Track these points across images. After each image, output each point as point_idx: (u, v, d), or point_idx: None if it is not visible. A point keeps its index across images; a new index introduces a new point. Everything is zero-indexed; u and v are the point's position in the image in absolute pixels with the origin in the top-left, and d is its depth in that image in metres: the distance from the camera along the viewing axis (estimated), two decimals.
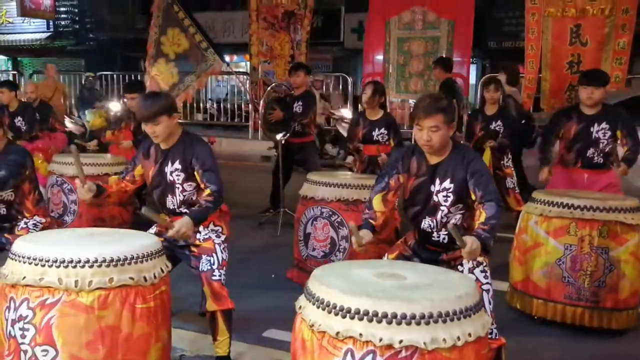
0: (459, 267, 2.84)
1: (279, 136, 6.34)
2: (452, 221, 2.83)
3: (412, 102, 9.85)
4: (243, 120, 12.63)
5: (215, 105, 14.38)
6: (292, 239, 4.92)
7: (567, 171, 4.73)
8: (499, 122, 5.72)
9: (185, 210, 3.15)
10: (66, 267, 2.36)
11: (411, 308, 1.96)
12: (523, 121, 6.88)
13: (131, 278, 2.45)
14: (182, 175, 3.13)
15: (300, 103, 6.33)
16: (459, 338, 1.98)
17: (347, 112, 10.49)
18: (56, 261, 2.37)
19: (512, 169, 5.90)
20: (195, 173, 3.11)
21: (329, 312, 2.03)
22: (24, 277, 2.37)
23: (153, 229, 3.25)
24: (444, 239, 2.90)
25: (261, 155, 11.24)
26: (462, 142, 4.94)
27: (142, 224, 3.39)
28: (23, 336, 2.37)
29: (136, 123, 6.02)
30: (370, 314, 1.96)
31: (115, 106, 11.59)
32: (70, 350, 2.37)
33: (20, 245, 2.50)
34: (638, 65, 10.14)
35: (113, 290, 2.41)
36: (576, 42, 7.24)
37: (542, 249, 3.89)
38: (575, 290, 3.81)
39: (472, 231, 2.67)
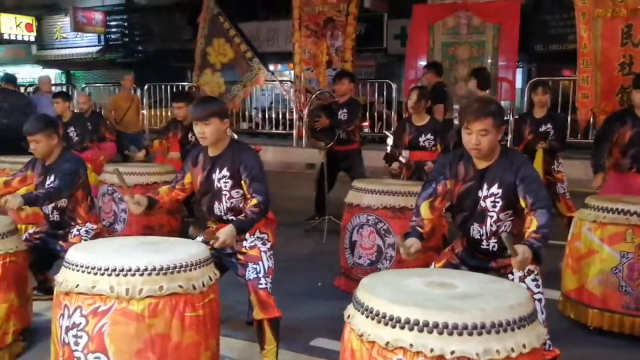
0: (509, 275, 2.77)
1: (324, 144, 6.34)
2: (503, 229, 2.77)
3: (456, 107, 9.75)
4: (287, 129, 12.69)
5: (260, 114, 14.51)
6: (337, 246, 4.90)
7: (621, 176, 4.59)
8: (548, 125, 5.58)
9: (232, 217, 3.16)
10: (117, 275, 2.40)
11: (462, 318, 1.92)
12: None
13: (180, 286, 2.47)
14: (230, 182, 3.15)
15: (345, 110, 6.32)
16: (512, 349, 1.92)
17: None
18: (107, 269, 2.41)
19: (563, 174, 5.74)
20: (242, 182, 3.12)
21: (379, 322, 2.00)
22: (77, 285, 2.42)
23: (200, 237, 3.28)
24: (493, 247, 2.84)
25: (306, 162, 11.26)
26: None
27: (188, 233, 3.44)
28: (76, 343, 2.42)
29: (183, 133, 6.12)
30: (421, 323, 1.93)
31: None
32: (122, 359, 2.40)
33: (74, 253, 2.56)
34: None
35: (163, 298, 2.44)
36: (628, 42, 7.04)
37: (596, 257, 3.76)
38: (633, 299, 3.67)
39: (522, 238, 2.60)
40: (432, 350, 1.89)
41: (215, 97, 3.59)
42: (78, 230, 3.85)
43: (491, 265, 2.86)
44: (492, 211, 2.78)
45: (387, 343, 1.95)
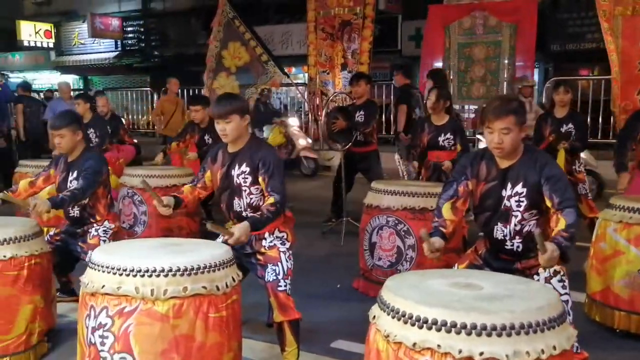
0: (535, 276, 2.74)
1: (341, 146, 6.34)
2: (527, 228, 2.73)
3: (473, 107, 9.69)
4: (303, 131, 12.72)
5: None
6: (355, 248, 4.89)
7: None
8: (570, 125, 5.52)
9: (251, 214, 3.14)
10: (142, 276, 2.41)
11: (491, 319, 1.89)
12: None
13: (204, 287, 2.48)
14: (249, 178, 3.13)
15: (362, 112, 6.31)
16: (542, 351, 1.89)
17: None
18: (133, 270, 2.42)
19: (585, 174, 5.68)
20: (260, 178, 3.10)
21: (405, 323, 1.98)
22: (103, 286, 2.43)
23: (220, 238, 3.28)
24: (517, 247, 2.80)
25: (322, 165, 11.29)
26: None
27: (209, 234, 3.43)
28: (103, 344, 2.43)
29: (200, 135, 6.15)
30: (449, 324, 1.91)
31: (294, 121, 11.61)
32: (147, 359, 2.41)
33: (99, 254, 2.57)
34: None
35: (187, 299, 2.44)
36: None
37: (622, 258, 3.70)
38: None
39: (547, 238, 2.56)
40: (460, 352, 1.87)
41: (236, 94, 3.56)
42: (96, 230, 3.87)
43: (516, 266, 2.81)
44: (517, 211, 2.75)
45: (414, 344, 1.93)
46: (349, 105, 6.54)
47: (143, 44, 20.70)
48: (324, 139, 6.68)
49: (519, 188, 2.72)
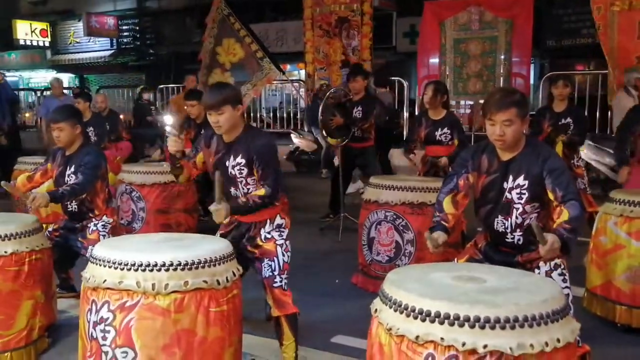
0: (536, 270, 2.73)
1: (338, 141, 6.34)
2: (528, 221, 2.73)
3: (469, 103, 9.70)
4: (298, 128, 12.71)
5: (270, 114, 14.54)
6: (353, 243, 4.89)
7: None
8: (568, 119, 5.52)
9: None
10: (144, 270, 2.40)
11: (495, 312, 1.89)
12: (387, 117, 7.15)
13: (205, 281, 2.47)
14: (245, 170, 3.07)
15: (359, 108, 6.31)
16: (547, 344, 1.90)
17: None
18: (134, 265, 2.41)
19: (583, 168, 5.68)
20: (254, 170, 3.05)
21: (408, 316, 1.98)
22: (105, 280, 2.43)
23: (218, 233, 3.26)
24: (518, 240, 2.79)
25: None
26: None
27: (206, 230, 3.42)
28: (104, 338, 2.43)
29: (196, 131, 6.09)
30: (452, 317, 1.91)
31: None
32: (149, 353, 2.41)
33: (101, 249, 2.56)
34: None
35: (188, 293, 2.43)
36: None
37: (623, 252, 3.70)
38: None
39: (548, 231, 2.56)
40: (464, 345, 1.87)
41: (227, 84, 3.50)
42: (95, 225, 3.86)
43: (517, 259, 2.80)
44: (518, 203, 2.73)
45: (417, 337, 1.93)
46: (346, 100, 6.52)
47: (138, 43, 20.61)
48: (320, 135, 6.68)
49: (520, 180, 2.70)
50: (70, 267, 4.10)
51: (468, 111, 9.89)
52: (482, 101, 8.42)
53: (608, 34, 7.12)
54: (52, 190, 3.67)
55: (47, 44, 21.56)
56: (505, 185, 2.74)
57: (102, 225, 3.88)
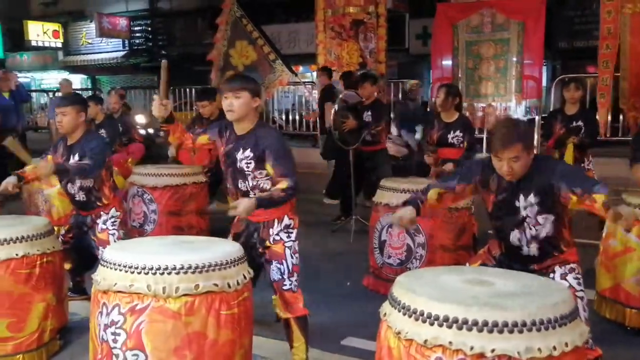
0: (551, 274, 2.72)
1: (350, 145, 6.35)
2: (544, 233, 2.71)
3: (482, 105, 9.67)
4: (311, 130, 12.73)
5: (283, 116, 14.57)
6: (365, 246, 4.89)
7: None
8: (580, 122, 5.50)
9: (259, 194, 3.07)
10: (154, 273, 2.42)
11: (504, 316, 1.89)
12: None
13: (215, 284, 2.48)
14: (252, 164, 3.06)
15: (369, 113, 6.33)
16: (555, 348, 1.89)
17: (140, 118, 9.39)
18: (145, 268, 2.43)
19: (593, 172, 5.65)
20: (268, 165, 3.03)
21: (416, 320, 1.99)
22: (115, 284, 2.44)
23: (230, 237, 3.27)
24: (534, 253, 2.75)
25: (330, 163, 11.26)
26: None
27: (218, 232, 3.44)
28: (115, 340, 2.44)
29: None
30: (460, 321, 1.91)
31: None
32: (159, 356, 2.42)
33: (111, 252, 2.59)
34: None
35: (199, 296, 2.45)
36: None
37: (633, 255, 3.69)
38: None
39: (562, 240, 2.66)
40: (472, 349, 1.88)
41: (250, 76, 3.52)
42: (104, 222, 3.88)
43: (532, 267, 2.75)
44: (532, 218, 2.71)
45: (426, 341, 1.94)
46: (357, 103, 6.53)
47: (150, 44, 20.75)
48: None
49: (531, 198, 2.68)
50: (88, 269, 4.02)
51: (480, 114, 9.86)
52: (494, 103, 8.41)
53: (620, 38, 7.07)
54: (58, 162, 3.67)
55: (59, 45, 21.76)
56: (517, 203, 2.72)
57: (112, 222, 3.90)
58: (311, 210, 7.22)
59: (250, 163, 3.06)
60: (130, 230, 5.58)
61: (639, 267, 3.67)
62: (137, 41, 21.05)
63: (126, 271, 2.45)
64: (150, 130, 6.02)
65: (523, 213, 2.72)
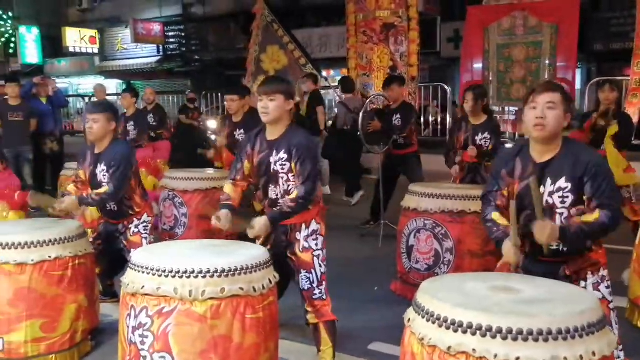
0: (582, 282, 2.58)
1: (379, 148, 6.34)
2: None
3: (513, 109, 9.53)
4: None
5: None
6: (393, 251, 4.87)
7: None
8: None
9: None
10: (181, 277, 2.45)
11: (529, 323, 1.87)
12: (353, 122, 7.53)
13: (241, 288, 2.51)
14: (287, 165, 3.07)
15: (398, 116, 6.30)
16: (582, 357, 1.86)
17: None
18: (172, 271, 2.47)
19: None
20: (292, 165, 3.05)
21: (440, 326, 1.97)
22: (143, 287, 2.49)
23: (259, 241, 3.29)
24: (563, 247, 2.57)
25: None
26: None
27: (247, 236, 3.45)
28: (142, 343, 2.49)
29: (230, 130, 6.06)
30: (484, 328, 1.89)
31: None
32: (186, 359, 2.45)
33: (139, 256, 2.63)
34: None
35: (225, 300, 2.47)
36: None
37: None
38: None
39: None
40: (496, 356, 1.86)
41: (285, 79, 3.54)
42: (137, 226, 3.94)
43: (563, 272, 2.61)
44: (562, 207, 2.54)
45: (449, 347, 1.92)
46: (385, 106, 6.52)
47: (184, 49, 21.04)
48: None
49: (562, 183, 2.52)
50: (117, 273, 4.09)
51: (513, 117, 9.74)
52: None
53: None
54: (80, 196, 3.77)
55: (95, 51, 22.22)
56: (542, 189, 2.55)
57: (144, 226, 3.96)
58: (340, 215, 7.23)
59: (285, 165, 3.07)
60: (161, 233, 5.66)
61: None
62: (171, 46, 21.36)
63: (154, 274, 2.49)
64: (218, 138, 6.02)
65: (549, 200, 2.54)
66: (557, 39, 8.48)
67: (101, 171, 3.79)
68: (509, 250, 2.50)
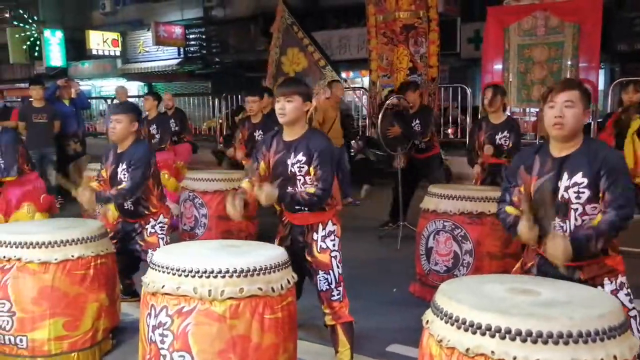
0: (599, 287, 2.52)
1: (399, 150, 6.33)
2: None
3: (534, 110, 9.44)
4: (359, 136, 12.73)
5: None
6: (412, 252, 4.86)
7: None
8: None
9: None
10: (200, 277, 2.48)
11: (548, 326, 1.86)
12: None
13: (260, 288, 2.52)
14: (305, 167, 3.08)
15: (418, 121, 6.27)
16: None
17: None
18: (191, 271, 2.49)
19: None
20: (311, 167, 3.05)
21: (459, 328, 1.97)
22: (163, 286, 2.51)
23: (276, 241, 3.30)
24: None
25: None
26: None
27: (267, 237, 3.48)
28: (162, 342, 2.51)
29: (250, 131, 6.07)
30: (503, 330, 1.89)
31: None
32: (205, 358, 2.48)
33: (160, 256, 2.66)
34: None
35: (243, 300, 2.49)
36: None
37: None
38: None
39: (612, 244, 2.47)
40: (515, 359, 1.85)
41: (302, 80, 3.54)
42: (153, 227, 3.97)
43: (578, 276, 2.56)
44: (577, 203, 2.50)
45: (468, 349, 1.92)
46: (404, 109, 6.50)
47: (204, 51, 21.17)
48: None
49: (578, 178, 2.49)
50: (134, 272, 4.21)
51: (533, 119, 9.64)
52: None
53: None
54: (99, 191, 3.81)
55: (117, 54, 22.46)
56: (559, 183, 2.53)
57: (160, 226, 3.99)
58: (359, 216, 7.23)
59: (302, 167, 3.08)
60: (181, 233, 5.72)
61: None
62: (192, 49, 21.51)
63: (174, 274, 2.51)
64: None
65: (565, 195, 2.52)
66: (580, 39, 8.36)
67: (122, 170, 3.84)
68: (524, 227, 2.52)
